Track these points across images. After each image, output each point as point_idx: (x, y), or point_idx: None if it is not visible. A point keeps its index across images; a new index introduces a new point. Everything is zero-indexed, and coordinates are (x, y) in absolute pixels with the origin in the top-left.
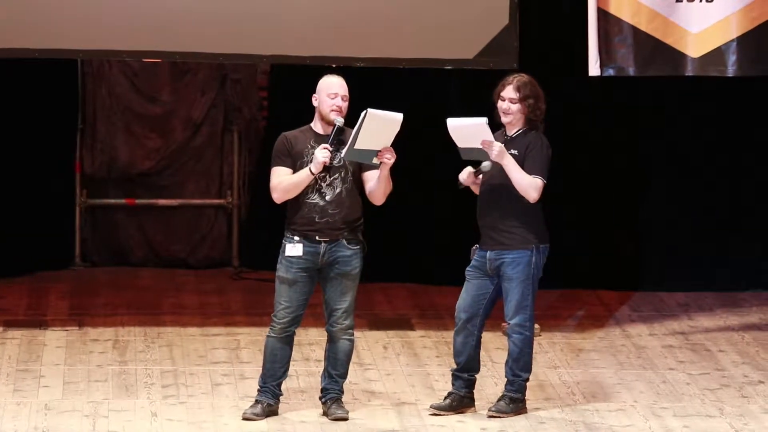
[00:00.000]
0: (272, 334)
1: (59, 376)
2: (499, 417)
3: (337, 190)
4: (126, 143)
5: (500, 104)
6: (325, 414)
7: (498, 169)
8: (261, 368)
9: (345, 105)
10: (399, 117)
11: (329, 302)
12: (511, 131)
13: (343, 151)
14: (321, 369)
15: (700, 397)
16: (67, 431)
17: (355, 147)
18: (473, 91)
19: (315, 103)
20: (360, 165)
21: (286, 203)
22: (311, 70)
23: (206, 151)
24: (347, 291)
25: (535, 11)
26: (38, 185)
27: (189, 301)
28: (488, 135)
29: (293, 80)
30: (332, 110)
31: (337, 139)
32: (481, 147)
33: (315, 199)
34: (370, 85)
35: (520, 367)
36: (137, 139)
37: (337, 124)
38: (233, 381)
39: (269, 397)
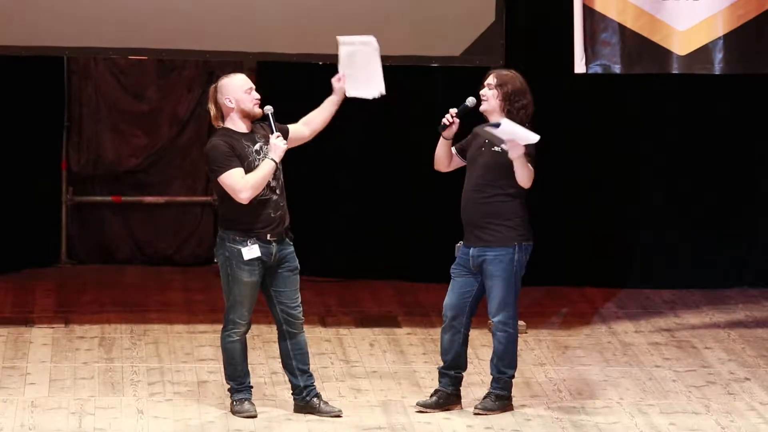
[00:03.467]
0: (237, 337)
1: (45, 373)
2: (485, 414)
3: (280, 183)
4: (112, 141)
5: (481, 94)
6: (310, 412)
7: (482, 164)
8: (229, 370)
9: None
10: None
11: (284, 300)
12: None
13: (351, 92)
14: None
15: (686, 394)
16: (54, 428)
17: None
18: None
19: (230, 104)
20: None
21: (228, 206)
22: (298, 68)
23: (192, 148)
24: (297, 285)
25: (522, 8)
26: (24, 183)
27: (175, 299)
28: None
29: (280, 78)
30: (255, 104)
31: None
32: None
33: (268, 194)
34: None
35: (505, 364)
36: (123, 137)
37: (268, 112)
38: (219, 378)
39: (250, 394)
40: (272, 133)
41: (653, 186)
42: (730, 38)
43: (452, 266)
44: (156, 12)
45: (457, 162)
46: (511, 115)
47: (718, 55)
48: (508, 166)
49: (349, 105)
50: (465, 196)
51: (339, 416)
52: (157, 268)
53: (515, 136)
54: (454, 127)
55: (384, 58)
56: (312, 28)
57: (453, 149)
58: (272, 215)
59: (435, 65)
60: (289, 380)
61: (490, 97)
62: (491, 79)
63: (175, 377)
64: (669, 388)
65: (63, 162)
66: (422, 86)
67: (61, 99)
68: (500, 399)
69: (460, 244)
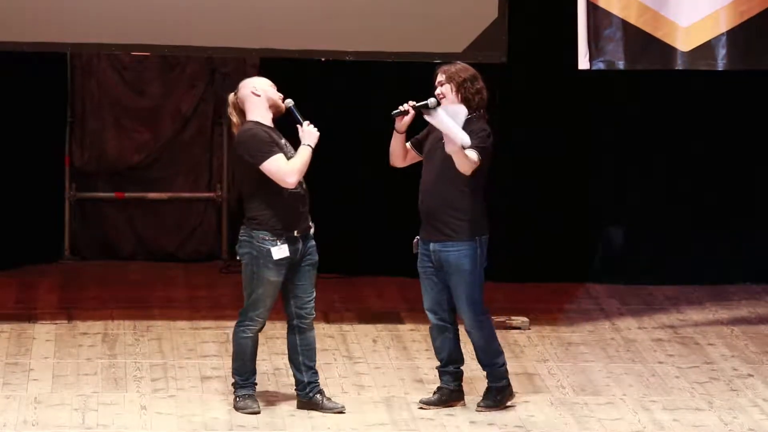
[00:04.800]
0: (251, 334)
1: (48, 369)
2: (489, 411)
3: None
4: (115, 137)
5: (436, 93)
6: (313, 408)
7: (440, 157)
8: (237, 365)
9: None
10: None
11: (299, 294)
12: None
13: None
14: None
15: (690, 390)
16: (57, 425)
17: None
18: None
19: (257, 93)
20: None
21: (259, 202)
22: (300, 64)
23: (195, 144)
24: (314, 281)
25: (525, 5)
26: (27, 179)
27: (178, 295)
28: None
29: (282, 74)
30: (279, 97)
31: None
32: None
33: (298, 188)
34: (358, 77)
35: (491, 355)
36: (126, 133)
37: (290, 104)
38: (223, 374)
39: (254, 390)
40: (299, 123)
41: (655, 182)
42: (733, 34)
43: (418, 265)
44: (159, 8)
45: (413, 156)
46: (468, 102)
47: (722, 51)
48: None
49: (350, 104)
50: (423, 189)
51: (342, 412)
52: (160, 264)
53: (450, 133)
54: (408, 119)
55: (386, 54)
56: (315, 24)
57: (408, 144)
58: (301, 209)
59: (438, 62)
60: (294, 375)
61: (446, 93)
62: (440, 77)
63: (178, 373)
64: (672, 385)
65: (66, 158)
66: (424, 83)
67: (64, 95)
68: (500, 392)
69: (416, 239)
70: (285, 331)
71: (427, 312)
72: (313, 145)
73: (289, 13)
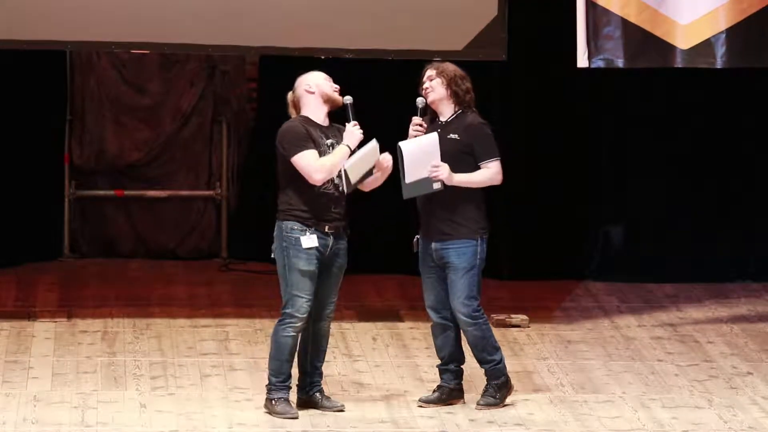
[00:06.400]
0: (293, 332)
1: (48, 367)
2: (488, 409)
3: (344, 181)
4: (115, 135)
5: (423, 88)
6: (312, 406)
7: (442, 155)
8: (275, 365)
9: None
10: (434, 136)
11: (324, 296)
12: (445, 116)
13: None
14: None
15: (689, 388)
16: (56, 422)
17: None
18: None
19: (310, 89)
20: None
21: (290, 195)
22: (300, 62)
23: (195, 142)
24: (339, 284)
25: (524, 3)
26: (27, 177)
27: (178, 293)
28: (437, 155)
29: (282, 71)
30: (335, 90)
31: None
32: (427, 176)
33: (331, 189)
34: (359, 76)
35: (488, 352)
36: (126, 131)
37: (348, 102)
38: (222, 372)
39: (289, 394)
40: (350, 121)
41: (655, 180)
42: (732, 32)
43: (419, 264)
44: (158, 6)
45: None
46: (457, 97)
47: (721, 49)
48: (466, 153)
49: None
50: None
51: (342, 411)
52: (160, 262)
53: (418, 151)
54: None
55: (386, 52)
56: (314, 21)
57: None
58: (333, 209)
59: (437, 59)
60: (298, 372)
61: (435, 86)
62: (431, 72)
63: (177, 371)
64: (672, 383)
65: (65, 156)
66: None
67: (63, 93)
68: (500, 389)
69: (417, 238)
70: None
71: (429, 310)
72: (352, 146)
73: (289, 11)
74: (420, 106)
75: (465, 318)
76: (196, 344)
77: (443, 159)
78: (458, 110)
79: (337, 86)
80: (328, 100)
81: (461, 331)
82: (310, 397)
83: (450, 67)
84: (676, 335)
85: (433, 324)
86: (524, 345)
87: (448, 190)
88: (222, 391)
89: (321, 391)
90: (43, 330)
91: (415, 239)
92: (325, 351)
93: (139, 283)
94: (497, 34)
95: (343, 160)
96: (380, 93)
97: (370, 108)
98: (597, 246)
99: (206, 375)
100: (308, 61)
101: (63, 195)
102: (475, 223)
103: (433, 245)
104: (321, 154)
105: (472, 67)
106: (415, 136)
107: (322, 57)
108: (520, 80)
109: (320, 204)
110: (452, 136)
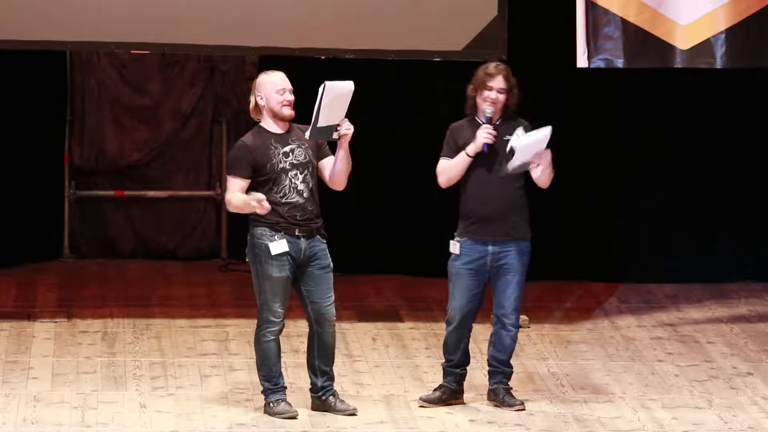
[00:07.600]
0: (272, 336)
1: (48, 367)
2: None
3: (310, 185)
4: (115, 135)
5: (487, 94)
6: (326, 410)
7: (501, 155)
8: (264, 371)
9: (293, 98)
10: (351, 85)
11: (315, 299)
12: (494, 120)
13: (307, 133)
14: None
15: (689, 388)
16: (56, 423)
17: (318, 125)
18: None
19: (261, 102)
20: (316, 155)
21: None
22: (300, 62)
23: (195, 142)
24: (330, 284)
25: (524, 3)
26: (27, 177)
27: (178, 293)
28: (544, 144)
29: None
30: (283, 105)
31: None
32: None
33: (294, 198)
34: (358, 75)
35: (510, 360)
36: (126, 131)
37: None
38: (222, 373)
39: (285, 394)
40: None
41: (655, 180)
42: (732, 32)
43: (459, 265)
44: (158, 6)
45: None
46: (508, 109)
47: (721, 50)
48: None
49: (351, 103)
50: (484, 192)
51: (354, 414)
52: (160, 263)
53: (535, 146)
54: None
55: (386, 53)
56: (314, 22)
57: (449, 160)
58: (298, 218)
59: (437, 60)
60: (309, 377)
61: (502, 101)
62: (502, 83)
63: (177, 372)
64: (671, 383)
65: (65, 156)
66: (424, 81)
67: (63, 93)
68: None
69: (456, 241)
70: (297, 329)
71: (453, 312)
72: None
73: (289, 11)
74: (489, 115)
75: (515, 319)
76: (196, 344)
77: (501, 158)
78: (502, 115)
79: (290, 98)
80: (275, 115)
81: (505, 333)
82: (324, 401)
83: (515, 82)
84: (676, 335)
85: (453, 326)
86: (524, 345)
87: (519, 192)
88: (222, 392)
89: (334, 394)
90: (43, 330)
91: (455, 241)
92: (333, 355)
93: (139, 284)
94: (497, 34)
95: (247, 208)
96: (380, 93)
97: (370, 108)
98: (597, 246)
99: (206, 375)
100: (308, 61)
101: (63, 195)
102: (527, 224)
103: (491, 247)
104: (273, 166)
105: (472, 67)
106: (486, 141)
107: (322, 57)
108: (520, 80)
109: (284, 211)
110: (507, 137)
